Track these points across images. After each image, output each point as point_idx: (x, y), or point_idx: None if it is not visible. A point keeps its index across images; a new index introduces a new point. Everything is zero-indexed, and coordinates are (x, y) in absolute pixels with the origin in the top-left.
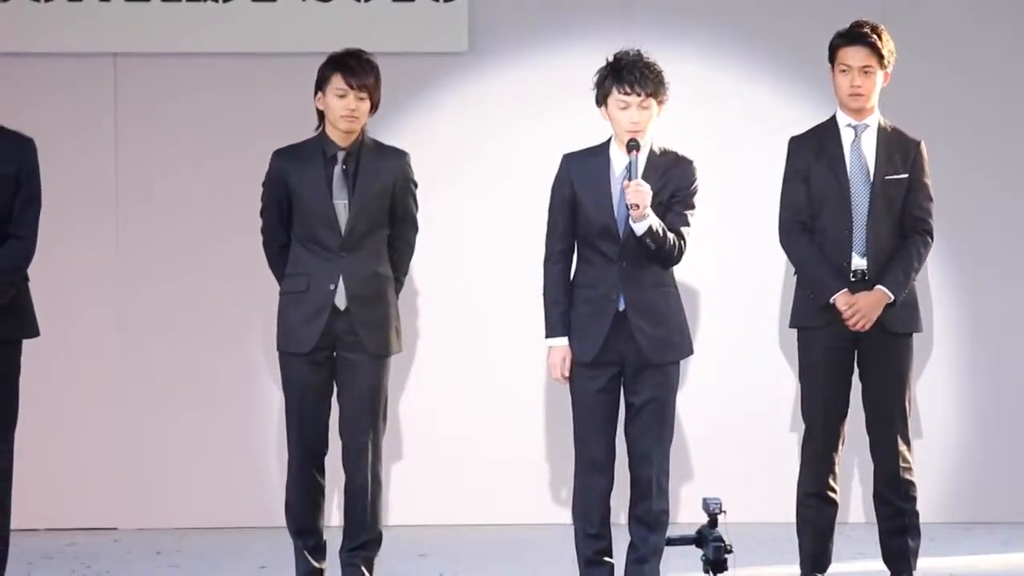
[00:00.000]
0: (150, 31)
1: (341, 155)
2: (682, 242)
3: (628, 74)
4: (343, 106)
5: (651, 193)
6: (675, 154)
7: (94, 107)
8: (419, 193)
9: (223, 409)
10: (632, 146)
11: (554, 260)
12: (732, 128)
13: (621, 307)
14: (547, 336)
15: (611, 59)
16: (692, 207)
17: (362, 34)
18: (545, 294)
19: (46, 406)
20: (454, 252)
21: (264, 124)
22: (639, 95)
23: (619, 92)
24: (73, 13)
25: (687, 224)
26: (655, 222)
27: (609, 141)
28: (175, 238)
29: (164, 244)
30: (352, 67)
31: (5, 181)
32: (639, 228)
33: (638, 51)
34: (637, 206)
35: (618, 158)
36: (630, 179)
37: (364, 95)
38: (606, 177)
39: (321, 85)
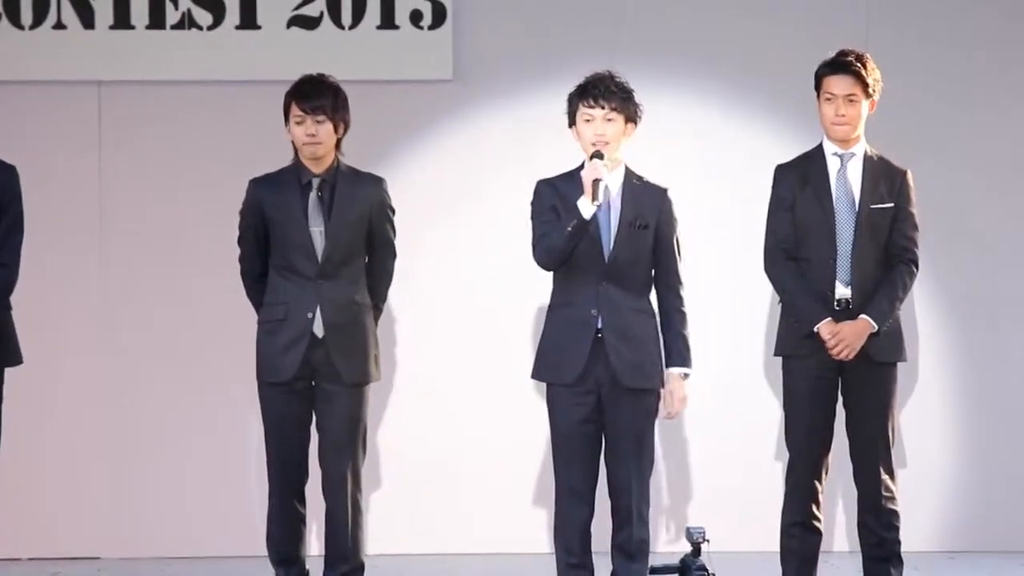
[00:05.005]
0: (134, 59)
1: (316, 182)
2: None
3: (593, 88)
4: (302, 132)
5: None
6: (649, 183)
7: (78, 135)
8: (402, 221)
9: (207, 438)
10: (596, 155)
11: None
12: (717, 156)
13: (599, 326)
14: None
15: (581, 82)
16: (679, 252)
17: (346, 61)
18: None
19: (29, 434)
20: (436, 280)
21: (248, 151)
22: (603, 108)
23: (584, 106)
24: (57, 41)
25: (678, 277)
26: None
27: (583, 164)
28: (159, 265)
29: (148, 271)
30: (306, 92)
31: None
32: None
33: (608, 71)
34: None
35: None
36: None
37: (322, 118)
38: None
39: (286, 115)
